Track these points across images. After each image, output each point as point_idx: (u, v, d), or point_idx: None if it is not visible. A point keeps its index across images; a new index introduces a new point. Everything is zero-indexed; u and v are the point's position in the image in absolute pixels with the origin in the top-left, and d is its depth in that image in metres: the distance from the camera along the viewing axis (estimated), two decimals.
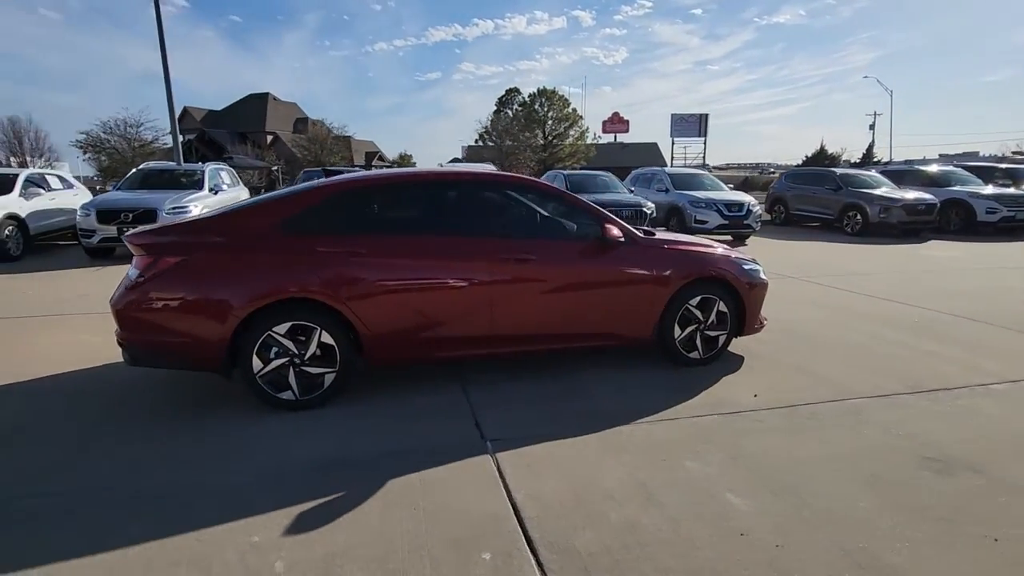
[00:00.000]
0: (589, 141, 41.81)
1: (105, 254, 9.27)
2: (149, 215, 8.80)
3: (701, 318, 4.02)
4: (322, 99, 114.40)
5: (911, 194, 13.33)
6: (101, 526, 2.24)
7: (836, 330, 5.10)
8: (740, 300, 4.09)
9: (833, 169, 15.76)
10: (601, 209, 3.96)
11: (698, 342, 4.06)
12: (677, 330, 3.98)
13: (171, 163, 13.26)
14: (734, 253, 4.26)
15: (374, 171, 3.96)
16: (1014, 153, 39.68)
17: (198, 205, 9.35)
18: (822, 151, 43.63)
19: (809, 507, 2.38)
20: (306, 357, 3.25)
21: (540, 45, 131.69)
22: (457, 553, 2.09)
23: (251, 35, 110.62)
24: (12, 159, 34.64)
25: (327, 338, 3.26)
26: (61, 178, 11.49)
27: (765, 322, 4.40)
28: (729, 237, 12.38)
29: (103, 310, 3.89)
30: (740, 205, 11.88)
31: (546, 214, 3.95)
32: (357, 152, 45.11)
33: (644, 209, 11.40)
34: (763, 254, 10.12)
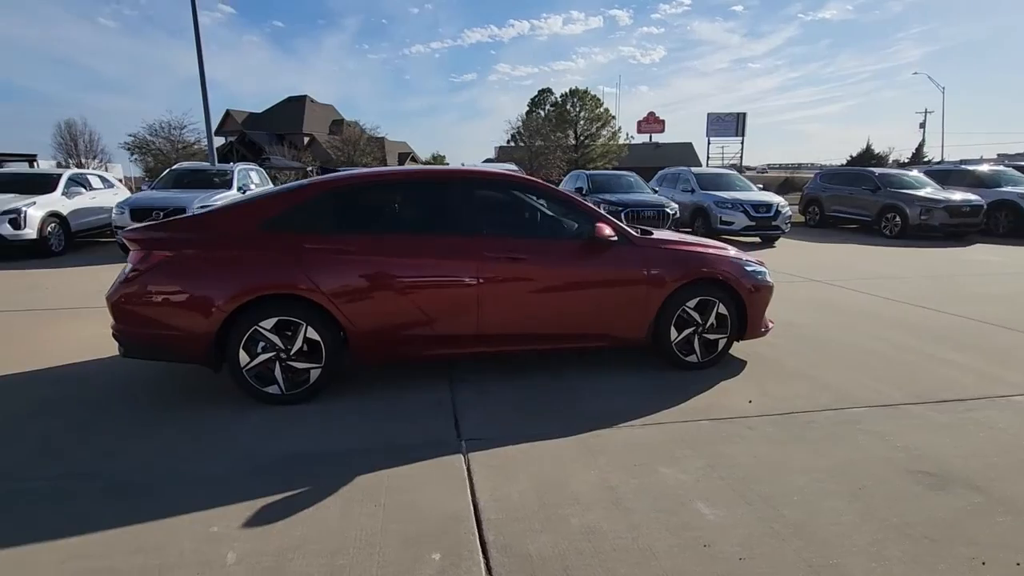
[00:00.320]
0: (622, 141, 41.28)
1: None
2: (179, 213, 9.07)
3: (699, 320, 3.90)
4: (360, 101, 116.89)
5: (956, 195, 12.67)
6: (75, 512, 2.31)
7: (851, 335, 4.88)
8: (741, 302, 3.94)
9: (871, 169, 15.11)
10: (594, 208, 3.89)
11: (696, 345, 3.93)
12: (674, 332, 3.87)
13: (204, 163, 13.72)
14: (737, 254, 4.11)
15: (362, 169, 3.99)
16: None
17: None
18: (868, 151, 42.08)
19: (783, 519, 2.26)
20: (292, 352, 3.30)
21: (576, 45, 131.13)
22: (408, 552, 2.07)
23: (293, 39, 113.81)
24: (69, 160, 36.56)
25: (313, 334, 3.30)
26: (102, 178, 12.05)
27: (771, 325, 4.24)
28: (757, 239, 12.07)
29: None
30: (768, 206, 11.52)
31: (536, 212, 3.90)
32: (390, 153, 45.76)
33: (667, 210, 11.18)
34: (791, 257, 9.88)
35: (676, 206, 11.49)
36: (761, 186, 13.92)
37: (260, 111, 46.71)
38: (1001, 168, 15.02)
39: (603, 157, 39.32)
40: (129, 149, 27.67)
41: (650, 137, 49.37)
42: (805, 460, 2.74)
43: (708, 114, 44.62)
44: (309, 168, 30.50)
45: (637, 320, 3.78)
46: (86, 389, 3.62)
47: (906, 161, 39.54)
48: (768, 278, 4.15)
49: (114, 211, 9.62)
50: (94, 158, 36.59)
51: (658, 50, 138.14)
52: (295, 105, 45.89)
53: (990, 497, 2.42)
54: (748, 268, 4.00)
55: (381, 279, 3.38)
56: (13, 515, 2.30)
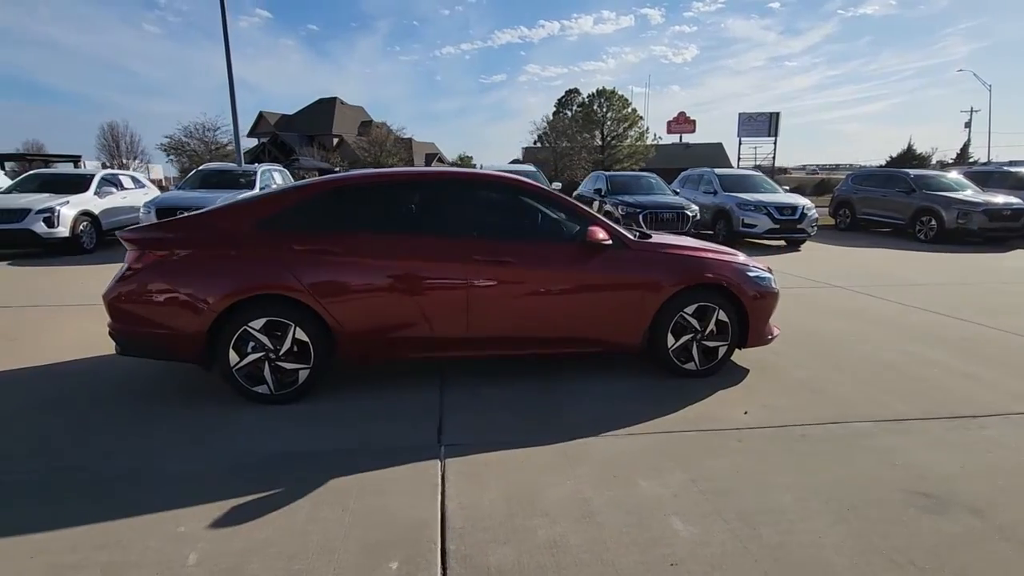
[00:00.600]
0: (649, 142, 40.76)
1: None
2: None
3: (698, 327, 3.79)
4: (391, 103, 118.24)
5: (997, 198, 12.10)
6: (54, 506, 2.36)
7: (868, 346, 4.67)
8: (743, 309, 3.81)
9: (906, 170, 14.51)
10: (588, 210, 3.80)
11: (694, 352, 3.82)
12: (671, 339, 3.77)
13: (230, 164, 14.06)
14: (742, 260, 3.97)
15: (355, 171, 3.98)
16: None
17: None
18: (909, 151, 40.69)
19: (760, 539, 2.16)
20: (281, 352, 3.32)
21: (606, 45, 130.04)
22: (366, 558, 2.05)
23: (327, 42, 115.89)
24: (112, 161, 38.06)
25: (301, 335, 3.32)
26: (134, 178, 12.46)
27: (776, 333, 4.09)
28: (782, 242, 11.74)
29: None
30: (793, 208, 11.19)
31: (528, 215, 3.83)
32: (418, 153, 46.22)
33: (687, 212, 10.97)
34: (815, 261, 9.57)
35: (696, 208, 11.26)
36: (787, 188, 13.51)
37: (292, 113, 47.74)
38: None
39: (630, 158, 38.91)
40: (165, 150, 28.63)
41: (680, 138, 48.64)
42: (793, 477, 2.62)
43: (740, 114, 43.67)
44: (337, 168, 31.08)
45: (631, 325, 3.69)
46: (93, 384, 3.72)
47: (950, 162, 38.08)
48: (773, 285, 4.01)
49: (141, 211, 9.94)
50: (134, 159, 38.07)
51: (690, 49, 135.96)
52: (325, 107, 46.77)
53: (990, 523, 2.27)
54: (750, 274, 3.86)
55: (369, 281, 3.38)
56: None
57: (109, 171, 12.18)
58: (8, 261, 9.12)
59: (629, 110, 40.14)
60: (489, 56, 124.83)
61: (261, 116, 46.63)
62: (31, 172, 11.83)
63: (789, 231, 11.25)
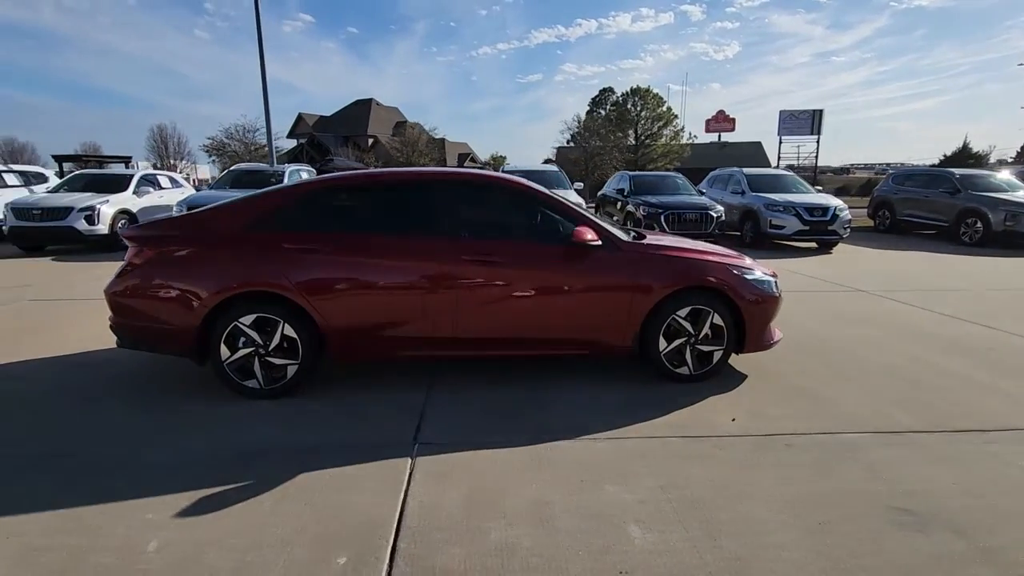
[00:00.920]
0: (684, 141, 39.99)
1: None
2: None
3: (691, 331, 3.69)
4: (428, 103, 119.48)
5: None
6: (38, 490, 2.48)
7: (884, 354, 4.46)
8: (739, 313, 3.69)
9: (951, 169, 13.78)
10: (578, 210, 3.75)
11: (688, 357, 3.72)
12: (663, 342, 3.68)
13: (262, 164, 14.50)
14: (739, 262, 3.85)
15: (346, 172, 4.03)
16: None
17: None
18: (964, 149, 38.77)
19: (719, 551, 2.09)
20: (270, 348, 3.40)
21: (645, 42, 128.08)
22: (318, 553, 2.07)
23: (366, 45, 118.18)
24: (161, 162, 39.82)
25: (290, 331, 3.39)
26: (171, 178, 13.00)
27: (778, 338, 3.95)
28: (813, 244, 11.33)
29: None
30: (824, 209, 10.78)
31: (517, 215, 3.81)
32: (451, 153, 46.67)
33: (711, 212, 10.71)
34: (844, 264, 9.20)
35: (721, 208, 10.97)
36: (820, 188, 13.03)
37: (329, 114, 48.90)
38: None
39: (664, 157, 38.26)
40: (207, 151, 29.76)
41: (719, 136, 47.57)
42: (770, 487, 2.52)
43: (780, 111, 42.28)
44: (370, 169, 31.72)
45: (620, 328, 3.63)
46: (101, 375, 3.89)
47: (1011, 160, 36.04)
48: (774, 289, 3.87)
49: (175, 209, 10.35)
50: (181, 159, 39.67)
51: (732, 45, 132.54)
52: (361, 108, 47.71)
53: (973, 544, 2.13)
54: (747, 277, 3.73)
55: (355, 279, 3.42)
56: None
57: (147, 171, 12.72)
58: (52, 256, 9.64)
59: (664, 109, 39.47)
60: (525, 56, 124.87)
61: (300, 118, 47.94)
62: (77, 172, 12.49)
63: (819, 233, 10.85)
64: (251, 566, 2.01)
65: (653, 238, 4.03)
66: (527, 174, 12.45)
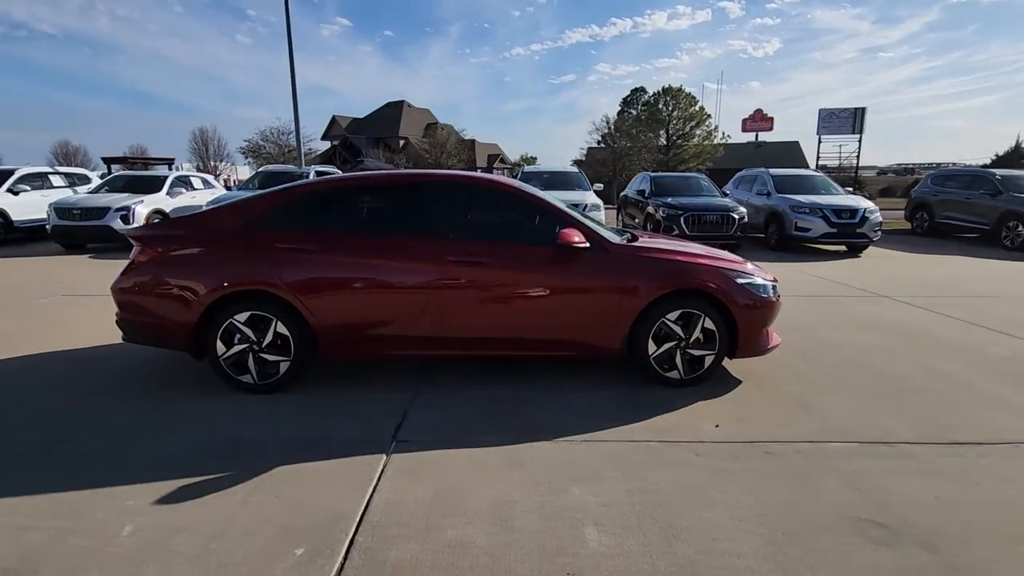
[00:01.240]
0: (717, 141, 39.21)
1: None
2: None
3: (682, 334, 3.64)
4: (461, 105, 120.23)
5: None
6: (34, 475, 2.64)
7: (888, 360, 4.31)
8: (731, 318, 3.63)
9: (993, 170, 13.13)
10: (568, 212, 3.74)
11: (678, 361, 3.68)
12: (652, 346, 3.65)
13: (290, 166, 14.91)
14: (734, 266, 3.77)
15: (342, 173, 4.12)
16: None
17: None
18: (1017, 148, 36.92)
19: (672, 556, 2.07)
20: (264, 345, 3.52)
21: (681, 41, 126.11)
22: (279, 543, 2.15)
23: (402, 47, 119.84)
24: (202, 163, 41.34)
25: (282, 329, 3.50)
26: (204, 180, 13.48)
27: (776, 343, 3.86)
28: (842, 247, 10.98)
29: None
30: (853, 211, 10.43)
31: (506, 216, 3.83)
32: (480, 154, 46.94)
33: (733, 214, 10.48)
34: (871, 268, 8.89)
35: (744, 210, 10.73)
36: (851, 189, 12.60)
37: (362, 116, 49.84)
38: None
39: (696, 158, 37.63)
40: (244, 153, 30.76)
41: (755, 136, 46.48)
42: (738, 495, 2.48)
43: (820, 110, 40.96)
44: (399, 169, 32.28)
45: (608, 331, 3.61)
46: (110, 368, 4.09)
47: None
48: (770, 293, 3.78)
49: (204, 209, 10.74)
50: (221, 161, 41.06)
51: (772, 42, 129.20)
52: (393, 110, 48.48)
53: (942, 560, 2.06)
54: (740, 280, 3.66)
55: (343, 279, 3.51)
56: None
57: (180, 173, 13.23)
58: (90, 254, 10.14)
59: (696, 108, 38.82)
60: (559, 56, 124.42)
61: (334, 120, 49.01)
62: (116, 174, 13.09)
63: (848, 235, 10.50)
64: (213, 553, 2.09)
65: (646, 240, 4.00)
66: (548, 175, 12.50)
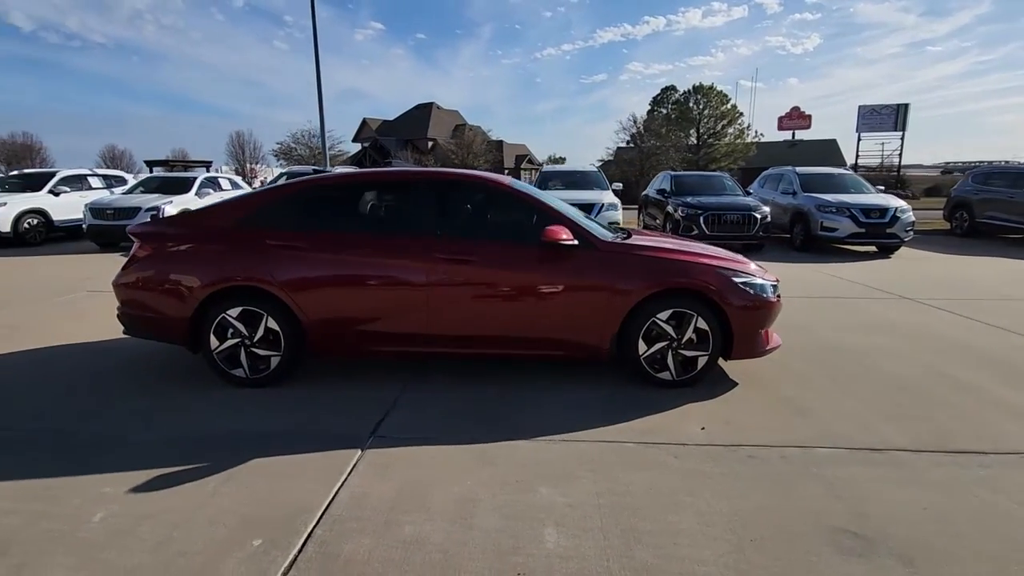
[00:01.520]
0: (749, 140, 38.29)
1: None
2: None
3: (673, 335, 3.55)
4: (491, 105, 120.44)
5: None
6: (22, 460, 2.74)
7: (897, 364, 4.12)
8: (726, 318, 3.52)
9: None
10: (558, 210, 3.70)
11: (670, 361, 3.59)
12: (642, 346, 3.57)
13: (308, 167, 15.21)
14: (730, 265, 3.66)
15: (333, 171, 4.16)
16: None
17: None
18: None
19: (630, 560, 2.01)
20: (255, 340, 3.59)
21: (716, 38, 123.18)
22: (239, 534, 2.17)
23: (434, 50, 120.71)
24: (238, 165, 42.63)
25: (273, 324, 3.56)
26: (232, 181, 13.89)
27: (775, 344, 3.73)
28: (872, 248, 10.58)
29: None
30: (882, 211, 10.03)
31: (495, 215, 3.81)
32: (508, 155, 46.98)
33: (755, 214, 10.20)
34: (900, 270, 8.54)
35: (767, 209, 10.43)
36: (882, 188, 12.11)
37: (392, 118, 50.53)
38: None
39: (727, 157, 36.84)
40: (276, 155, 31.56)
41: (792, 134, 45.26)
42: (710, 499, 2.39)
43: (860, 107, 39.53)
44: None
45: (596, 330, 3.55)
46: (112, 360, 4.23)
47: None
48: (769, 294, 3.65)
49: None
50: (256, 163, 42.25)
51: (812, 38, 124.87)
52: (422, 111, 48.99)
53: (917, 574, 1.94)
54: (736, 280, 3.55)
55: (331, 276, 3.55)
56: None
57: (209, 174, 13.64)
58: (122, 252, 10.55)
59: (728, 106, 38.00)
60: (590, 56, 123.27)
61: (364, 122, 49.83)
62: (149, 175, 13.59)
63: (877, 236, 10.10)
64: (174, 541, 2.13)
65: (639, 238, 3.91)
66: (565, 175, 12.42)
